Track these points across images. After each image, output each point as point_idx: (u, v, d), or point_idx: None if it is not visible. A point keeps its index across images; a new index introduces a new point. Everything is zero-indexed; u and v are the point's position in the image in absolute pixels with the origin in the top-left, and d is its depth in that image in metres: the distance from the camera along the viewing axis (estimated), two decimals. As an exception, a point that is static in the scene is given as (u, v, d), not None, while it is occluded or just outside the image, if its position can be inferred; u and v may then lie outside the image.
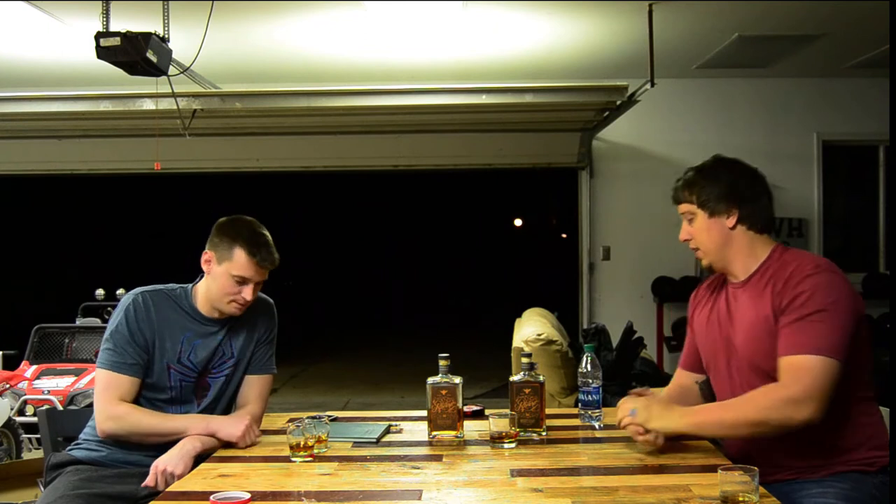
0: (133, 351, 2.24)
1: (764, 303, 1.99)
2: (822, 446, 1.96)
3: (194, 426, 2.22)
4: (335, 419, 2.51)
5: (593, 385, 2.33)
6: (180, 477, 2.06)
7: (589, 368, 2.32)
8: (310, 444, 2.06)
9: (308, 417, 2.34)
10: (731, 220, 2.07)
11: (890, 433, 1.80)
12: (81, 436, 2.35)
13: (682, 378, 2.33)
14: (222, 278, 2.27)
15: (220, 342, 2.35)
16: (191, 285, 2.38)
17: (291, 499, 1.78)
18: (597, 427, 2.29)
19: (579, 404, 2.34)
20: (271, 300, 2.48)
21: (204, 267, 2.31)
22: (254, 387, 2.41)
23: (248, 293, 2.27)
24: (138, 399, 2.27)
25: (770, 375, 1.96)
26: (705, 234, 2.09)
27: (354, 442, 2.22)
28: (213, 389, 2.35)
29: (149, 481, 2.10)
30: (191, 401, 2.32)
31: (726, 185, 2.08)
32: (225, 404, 2.40)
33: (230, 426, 2.21)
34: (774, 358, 1.94)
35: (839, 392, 1.88)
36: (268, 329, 2.45)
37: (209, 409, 2.34)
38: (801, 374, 1.85)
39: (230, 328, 2.37)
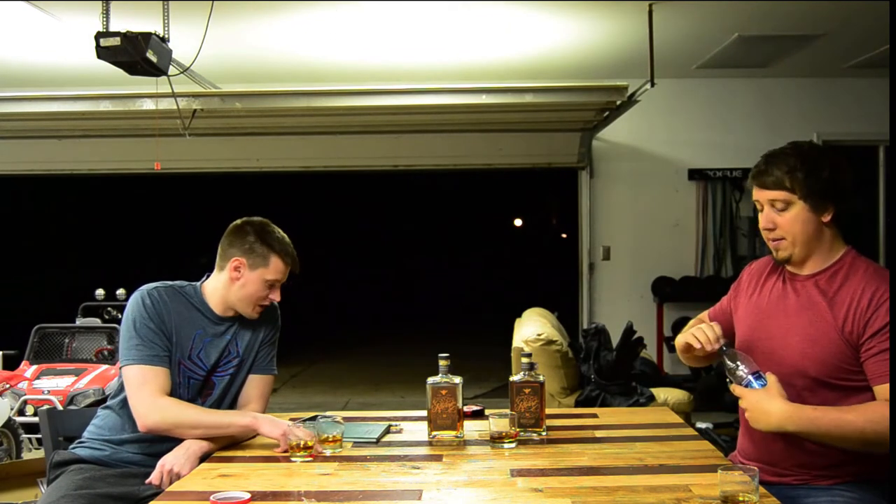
0: (161, 343, 2.23)
1: (837, 312, 1.91)
2: (836, 455, 1.92)
3: (241, 421, 2.22)
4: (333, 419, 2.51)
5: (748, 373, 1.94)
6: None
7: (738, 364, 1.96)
8: (310, 444, 2.07)
9: (321, 417, 2.31)
10: (828, 216, 1.95)
11: (890, 433, 1.79)
12: (85, 434, 2.34)
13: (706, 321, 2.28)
14: (256, 284, 2.29)
15: (228, 342, 2.36)
16: (199, 283, 2.38)
17: (291, 499, 1.78)
18: (757, 386, 1.91)
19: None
20: (276, 303, 2.48)
21: (232, 273, 2.30)
22: (256, 386, 2.42)
23: (276, 295, 2.34)
24: None
25: (808, 383, 1.92)
26: (799, 225, 1.94)
27: (354, 442, 2.22)
28: (217, 388, 2.35)
29: (154, 479, 2.10)
30: (196, 399, 2.32)
31: (830, 176, 1.93)
32: (228, 404, 2.40)
33: (271, 425, 2.20)
34: (822, 366, 1.90)
35: (861, 402, 1.88)
36: (272, 330, 2.47)
37: (214, 407, 2.34)
38: None
39: (238, 327, 2.38)
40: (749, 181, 2.06)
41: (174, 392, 2.27)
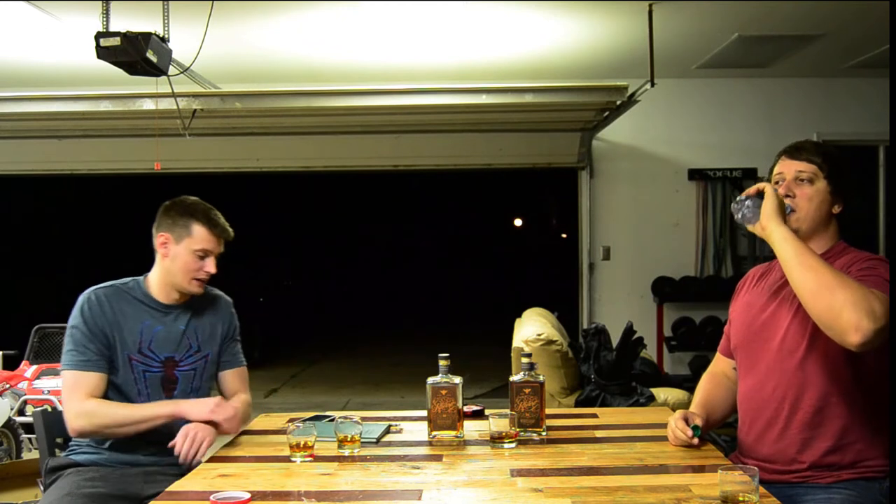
0: (94, 347, 2.26)
1: None
2: (841, 453, 1.95)
3: (163, 410, 2.25)
4: (333, 419, 2.51)
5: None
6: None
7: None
8: (310, 444, 2.07)
9: (340, 419, 2.28)
10: (837, 209, 2.07)
11: (890, 435, 1.80)
12: (74, 441, 2.36)
13: (721, 364, 2.33)
14: (184, 256, 2.32)
15: (182, 332, 2.38)
16: (143, 276, 2.41)
17: (291, 499, 1.78)
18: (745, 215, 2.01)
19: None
20: (230, 298, 2.54)
21: (160, 250, 2.35)
22: (235, 379, 2.49)
23: (210, 266, 2.35)
24: (107, 394, 2.29)
25: (802, 355, 1.97)
26: (816, 202, 2.04)
27: (354, 442, 2.22)
28: (182, 383, 2.37)
29: (181, 449, 2.17)
30: (158, 394, 2.34)
31: (849, 175, 2.08)
32: (201, 394, 2.42)
33: (198, 406, 2.24)
34: (813, 339, 1.93)
35: (867, 402, 1.93)
36: (231, 325, 2.52)
37: None
38: (885, 303, 1.76)
39: (191, 318, 2.40)
40: (777, 157, 2.14)
41: (129, 389, 2.29)
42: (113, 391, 2.29)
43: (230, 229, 2.39)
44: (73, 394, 2.23)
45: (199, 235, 2.32)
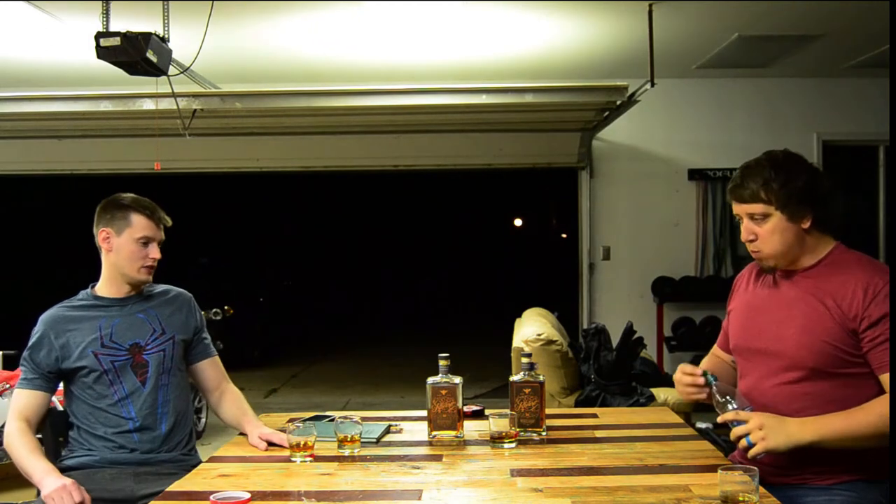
0: (37, 368, 2.35)
1: (830, 301, 1.94)
2: (834, 453, 1.93)
3: (36, 476, 2.18)
4: (333, 419, 2.51)
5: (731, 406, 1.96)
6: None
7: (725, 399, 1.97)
8: (310, 443, 2.07)
9: (340, 419, 2.29)
10: (807, 223, 1.98)
11: (890, 435, 1.80)
12: (69, 444, 2.39)
13: (719, 354, 2.33)
14: (127, 246, 2.39)
15: (143, 319, 2.42)
16: (91, 286, 2.48)
17: (291, 499, 1.78)
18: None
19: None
20: (189, 293, 2.61)
21: (104, 245, 2.42)
22: (214, 369, 2.57)
23: (154, 252, 2.42)
24: (84, 388, 2.34)
25: (806, 374, 1.95)
26: (779, 236, 1.98)
27: (354, 442, 2.22)
28: (153, 366, 2.40)
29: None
30: (131, 380, 2.37)
31: (805, 184, 1.97)
32: (177, 379, 2.45)
33: (51, 485, 2.10)
34: (820, 355, 1.91)
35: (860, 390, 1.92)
36: (201, 318, 2.61)
37: (158, 385, 2.39)
38: None
39: (149, 306, 2.45)
40: (727, 195, 2.09)
41: (100, 382, 2.34)
42: (87, 389, 2.35)
43: (167, 217, 2.48)
44: (10, 411, 2.32)
45: (139, 224, 2.40)
